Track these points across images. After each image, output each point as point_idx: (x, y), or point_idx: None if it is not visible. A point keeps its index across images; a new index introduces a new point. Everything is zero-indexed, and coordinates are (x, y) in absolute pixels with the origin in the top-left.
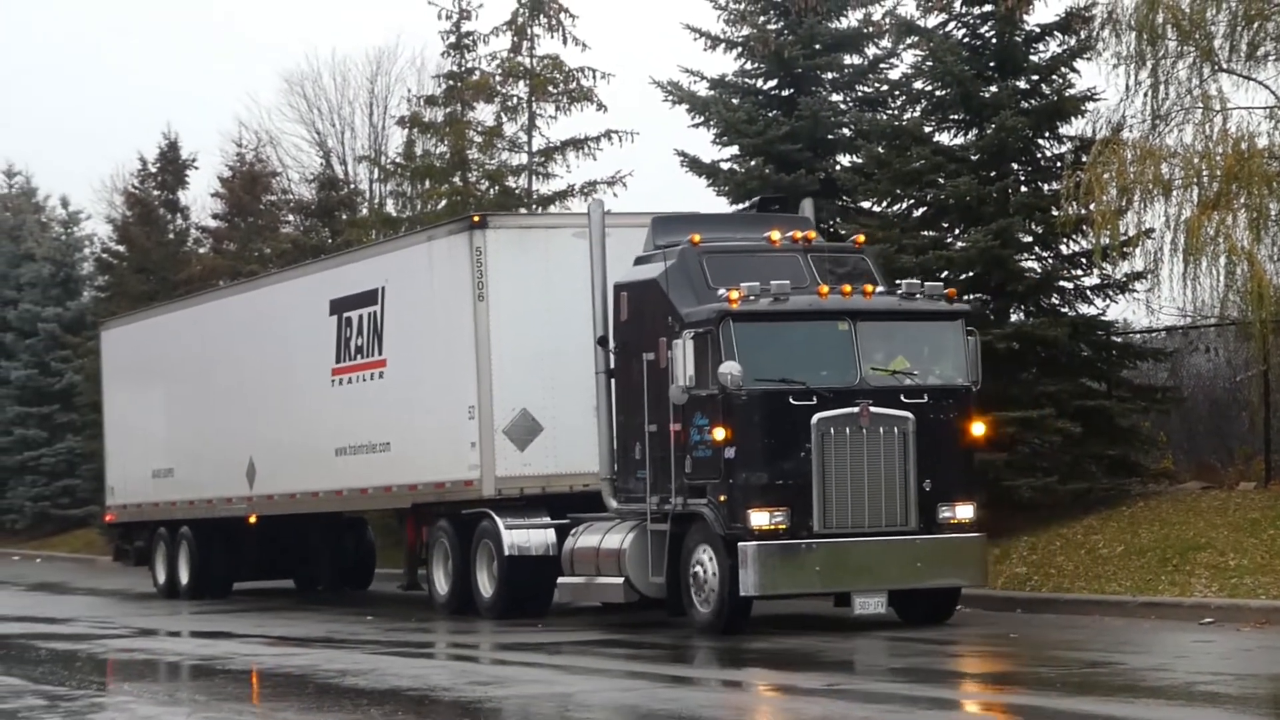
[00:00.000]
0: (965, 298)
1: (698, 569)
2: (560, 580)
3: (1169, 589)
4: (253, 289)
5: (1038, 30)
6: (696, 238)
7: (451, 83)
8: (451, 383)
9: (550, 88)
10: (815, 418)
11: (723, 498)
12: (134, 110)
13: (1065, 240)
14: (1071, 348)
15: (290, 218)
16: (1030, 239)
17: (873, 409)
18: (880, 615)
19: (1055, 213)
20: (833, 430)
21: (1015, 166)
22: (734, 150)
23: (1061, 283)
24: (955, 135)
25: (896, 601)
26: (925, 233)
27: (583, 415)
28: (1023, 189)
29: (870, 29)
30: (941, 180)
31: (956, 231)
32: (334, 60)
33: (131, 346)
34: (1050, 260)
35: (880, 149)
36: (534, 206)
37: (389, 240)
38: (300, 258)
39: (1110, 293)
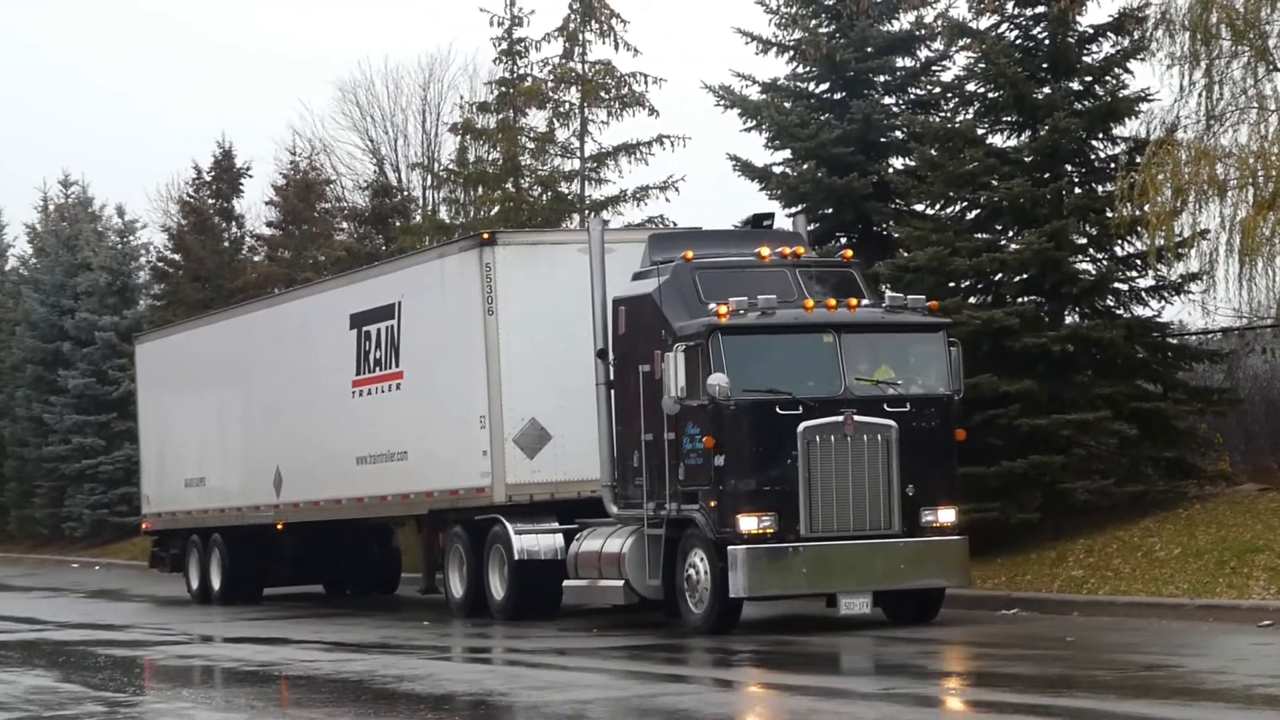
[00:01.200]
0: (1020, 300)
1: (691, 572)
2: (566, 583)
3: (1227, 591)
4: (279, 303)
5: (1091, 31)
6: (689, 254)
7: (503, 89)
8: (463, 393)
9: (602, 93)
10: (801, 426)
11: (713, 503)
12: (189, 119)
13: (1120, 242)
14: (1127, 350)
15: (344, 225)
16: (1085, 241)
17: (856, 417)
18: (866, 615)
19: (1110, 214)
20: (818, 438)
21: (1069, 168)
22: (786, 154)
23: (1117, 284)
24: (1008, 137)
25: (884, 602)
26: (979, 235)
27: (590, 424)
28: (1077, 191)
29: (922, 31)
30: (995, 182)
31: (1010, 234)
32: (387, 68)
33: (165, 359)
34: (1105, 262)
35: (933, 151)
36: (586, 212)
37: (405, 256)
38: (354, 265)
39: (1166, 294)
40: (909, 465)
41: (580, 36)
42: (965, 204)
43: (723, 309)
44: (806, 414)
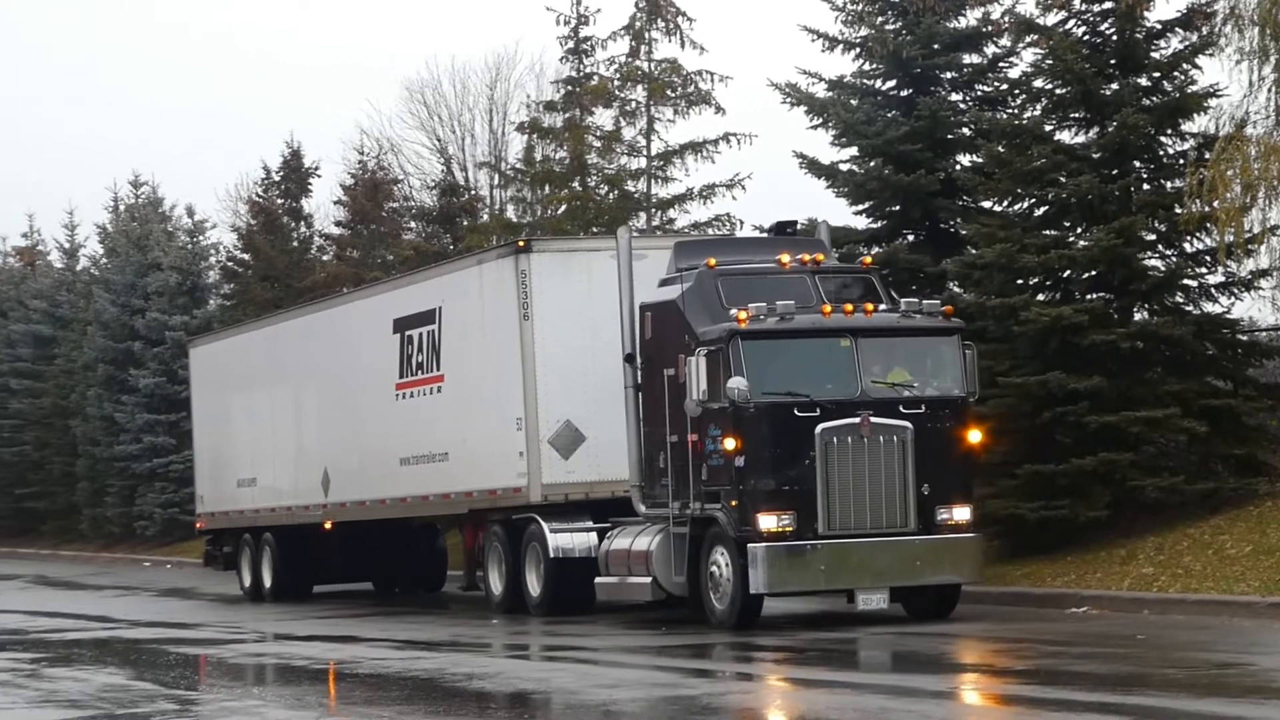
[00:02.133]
0: (1088, 297)
1: (714, 569)
2: (597, 580)
3: None
4: (325, 309)
5: (1158, 27)
6: (712, 261)
7: (570, 88)
8: (501, 396)
9: (668, 91)
10: (819, 428)
11: (734, 503)
12: (258, 120)
13: (1189, 238)
14: (1196, 346)
15: (412, 224)
16: (1153, 237)
17: (873, 419)
18: (883, 610)
19: (1178, 210)
20: (835, 439)
21: (1137, 164)
22: (853, 151)
23: (1186, 281)
24: (1076, 133)
25: (903, 598)
26: (1047, 232)
27: (622, 426)
28: (1145, 187)
29: (989, 28)
30: (1063, 179)
31: (1078, 230)
32: (454, 67)
33: (217, 362)
34: (1174, 258)
35: (1000, 148)
36: (653, 210)
37: (445, 263)
38: (422, 264)
39: (1235, 290)
40: (924, 465)
41: (646, 35)
42: (1033, 201)
43: (742, 314)
44: (824, 416)
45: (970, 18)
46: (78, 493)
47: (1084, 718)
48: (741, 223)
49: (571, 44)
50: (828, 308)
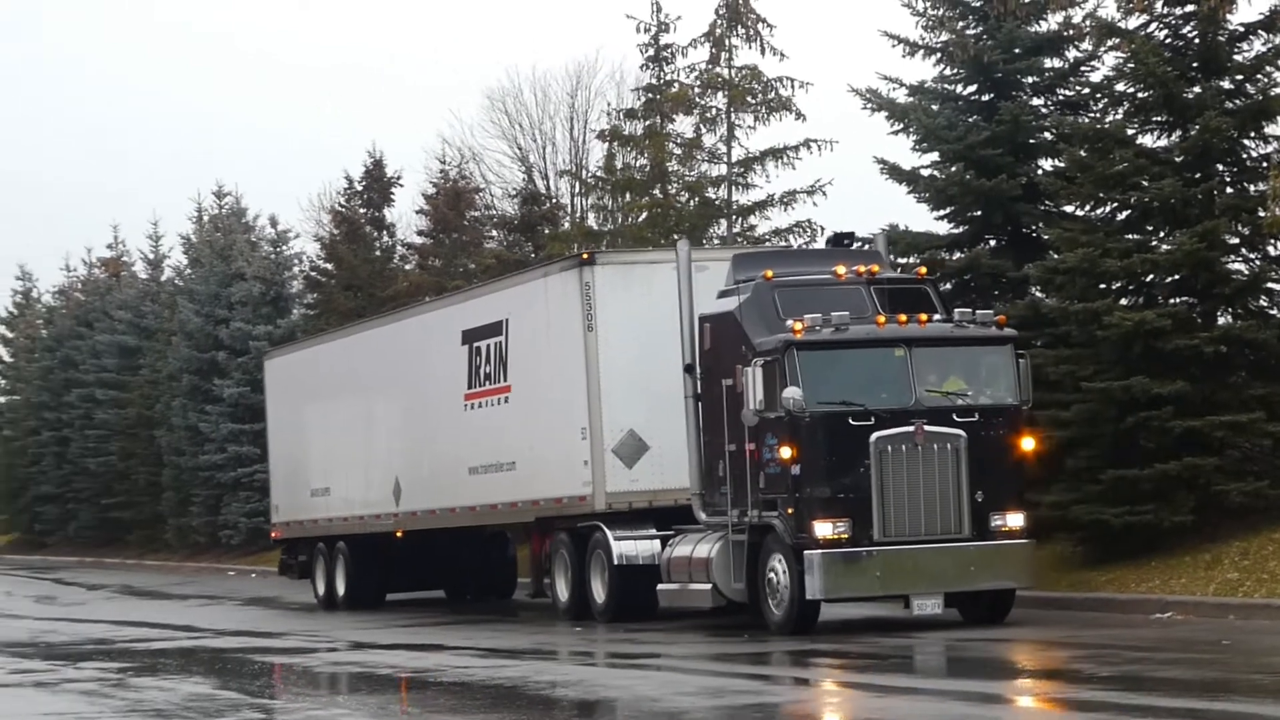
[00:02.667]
0: (1171, 301)
1: (771, 575)
2: (659, 587)
3: None
4: (395, 321)
5: (1241, 29)
6: (769, 273)
7: (650, 95)
8: (566, 406)
9: (749, 98)
10: (873, 436)
11: (790, 510)
12: (340, 130)
13: (1273, 242)
14: None
15: (494, 233)
16: (1237, 241)
17: (927, 428)
18: (937, 615)
19: (1261, 214)
20: (890, 448)
21: (1220, 168)
22: (934, 156)
23: (1269, 285)
24: (1158, 137)
25: (958, 603)
26: (1129, 236)
27: (684, 435)
28: (1228, 190)
29: (1070, 31)
30: (1145, 183)
31: (1161, 235)
32: (534, 76)
33: (291, 374)
34: (1258, 262)
35: (1082, 152)
36: (733, 217)
37: (511, 276)
38: (504, 273)
39: None
40: (978, 472)
41: (726, 42)
42: (1115, 205)
43: (798, 325)
44: (878, 425)
45: (1051, 22)
46: (163, 502)
47: None
48: (822, 229)
49: (652, 51)
50: (882, 318)
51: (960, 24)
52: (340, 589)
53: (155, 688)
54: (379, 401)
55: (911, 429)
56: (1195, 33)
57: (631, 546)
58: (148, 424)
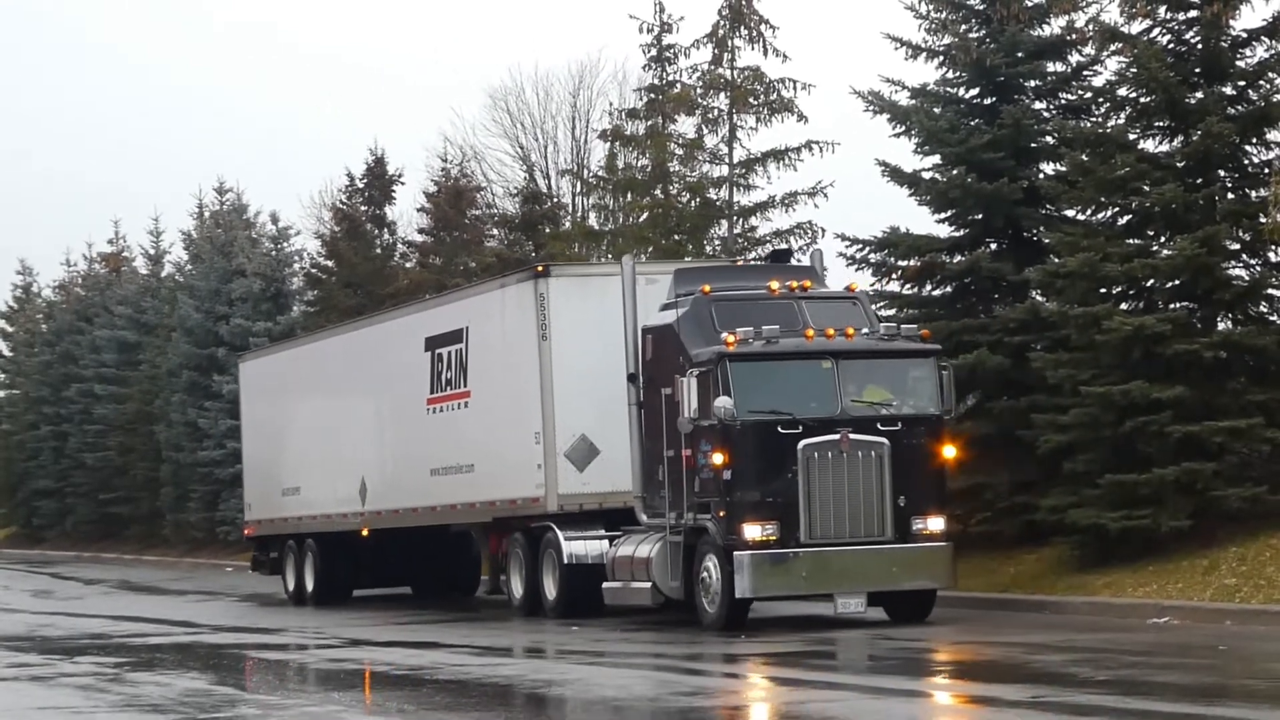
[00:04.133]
0: (1171, 306)
1: (705, 575)
2: (604, 585)
3: None
4: (362, 327)
5: (1244, 35)
6: (707, 288)
7: (653, 95)
8: (521, 411)
9: (751, 99)
10: (801, 444)
11: (722, 513)
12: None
13: (1273, 247)
14: None
15: (495, 232)
16: (1237, 246)
17: (852, 436)
18: (860, 614)
19: (1262, 220)
20: (816, 454)
21: (1221, 173)
22: (936, 159)
23: (1270, 291)
24: (1160, 142)
25: (884, 602)
26: (1130, 241)
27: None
28: (1229, 196)
29: (1073, 36)
30: (1146, 188)
31: (1162, 240)
32: (537, 75)
33: (264, 377)
34: (1258, 268)
35: (1084, 156)
36: (734, 218)
37: (471, 286)
38: (504, 271)
39: None
40: (900, 478)
41: (729, 43)
42: (1116, 209)
43: (730, 338)
44: (806, 433)
45: (1054, 26)
46: (161, 498)
47: None
48: (824, 230)
49: (654, 52)
50: (810, 331)
51: (963, 27)
52: (309, 585)
53: (152, 683)
54: (347, 404)
55: (837, 437)
56: (1198, 38)
57: (581, 546)
58: (147, 419)
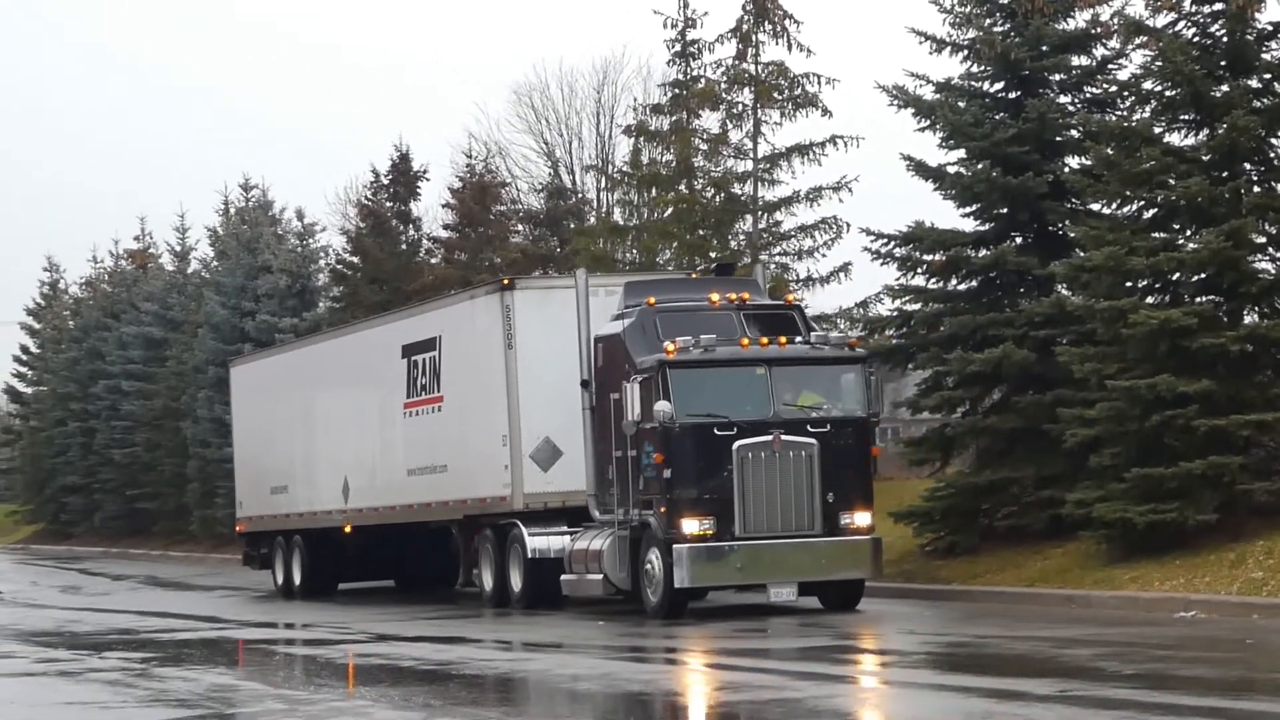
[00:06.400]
0: (1197, 300)
1: (648, 566)
2: (562, 577)
3: None
4: (345, 335)
5: (1269, 28)
6: (651, 300)
7: (677, 91)
8: (489, 415)
9: (775, 94)
10: (736, 444)
11: (663, 509)
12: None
13: None
14: None
15: (519, 227)
16: (1263, 240)
17: (784, 437)
18: (792, 602)
19: None
20: (750, 454)
21: (1247, 166)
22: (960, 153)
23: None
24: (1186, 135)
25: (816, 592)
26: (1156, 235)
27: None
28: (1255, 189)
29: (1098, 29)
30: (1172, 181)
31: (1187, 233)
32: (561, 71)
33: (254, 381)
34: None
35: (1109, 150)
36: (759, 213)
37: (444, 297)
38: (530, 267)
39: None
40: (829, 477)
41: (753, 38)
42: (1142, 203)
43: (671, 346)
44: (740, 434)
45: (1079, 19)
46: (188, 494)
47: None
48: (848, 225)
49: (678, 47)
50: (746, 340)
51: (988, 21)
52: (297, 578)
53: (179, 678)
54: (331, 408)
55: (770, 438)
56: (1223, 31)
57: (544, 542)
58: (173, 415)
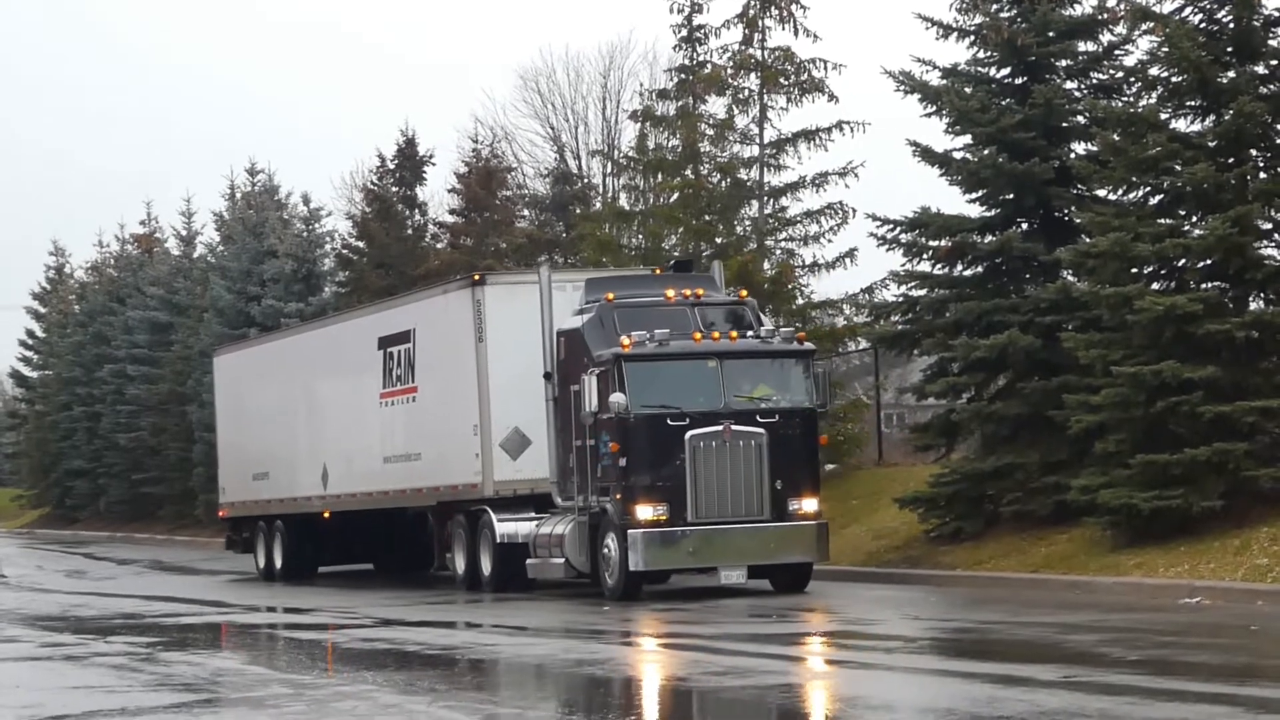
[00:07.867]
0: (1203, 286)
1: (606, 550)
2: (527, 561)
3: None
4: (324, 326)
5: (1276, 14)
6: (610, 295)
7: (683, 76)
8: (461, 406)
9: (781, 79)
10: (688, 434)
11: (619, 496)
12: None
13: None
14: None
15: (525, 212)
16: (1269, 226)
17: (734, 427)
18: (742, 584)
19: None
20: (702, 444)
21: (1253, 152)
22: (967, 139)
23: None
24: (1192, 121)
25: (767, 575)
26: (1162, 221)
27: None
28: (1261, 175)
29: (1105, 15)
30: (1178, 167)
31: (1193, 219)
32: (568, 56)
33: (236, 370)
34: None
35: (1115, 136)
36: (765, 199)
37: (418, 291)
38: (535, 252)
39: None
40: (777, 465)
41: (760, 23)
42: (1148, 189)
43: (626, 340)
44: (692, 424)
45: (1085, 5)
46: (194, 478)
47: (1197, 709)
48: (854, 211)
49: (685, 32)
50: (698, 335)
51: (994, 6)
52: (278, 562)
53: (184, 662)
54: (310, 397)
55: (720, 428)
56: (1230, 17)
57: (513, 527)
58: (178, 400)
